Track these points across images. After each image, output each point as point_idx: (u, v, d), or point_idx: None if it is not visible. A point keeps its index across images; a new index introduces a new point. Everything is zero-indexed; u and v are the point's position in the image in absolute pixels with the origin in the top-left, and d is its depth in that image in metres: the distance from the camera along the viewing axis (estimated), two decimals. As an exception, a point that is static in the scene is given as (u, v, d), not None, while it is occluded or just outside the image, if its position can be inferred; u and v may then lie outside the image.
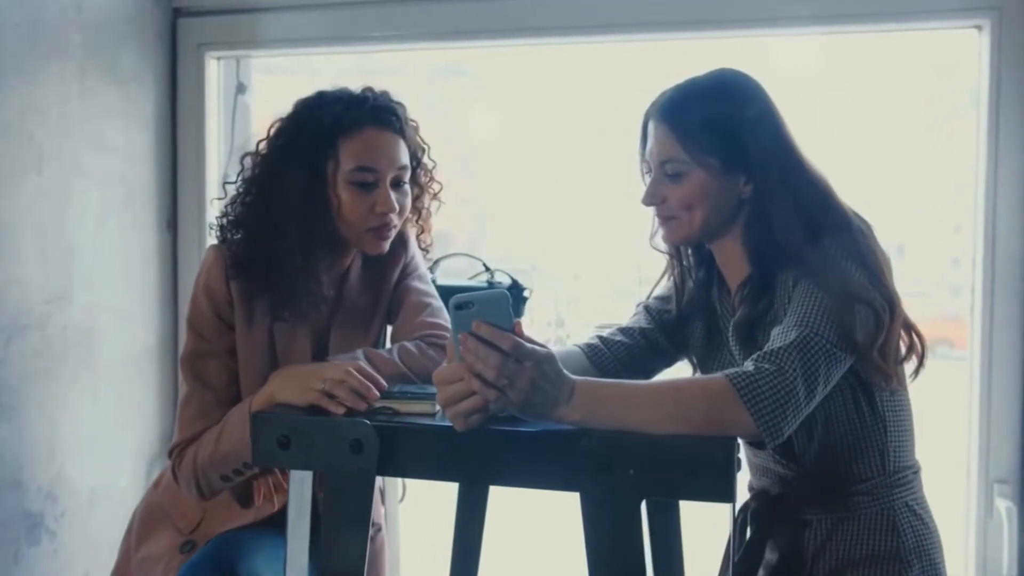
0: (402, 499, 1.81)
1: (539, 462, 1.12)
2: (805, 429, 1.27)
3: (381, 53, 2.32)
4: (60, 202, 1.85)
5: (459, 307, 1.06)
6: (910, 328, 1.30)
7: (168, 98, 2.19)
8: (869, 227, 1.28)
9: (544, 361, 1.06)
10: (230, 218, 1.47)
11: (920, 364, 1.31)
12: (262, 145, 1.46)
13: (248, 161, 1.47)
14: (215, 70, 2.24)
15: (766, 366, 1.11)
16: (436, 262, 1.82)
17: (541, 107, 2.39)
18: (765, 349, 1.15)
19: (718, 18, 1.95)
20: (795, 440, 1.28)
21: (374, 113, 1.42)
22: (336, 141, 1.40)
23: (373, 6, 2.12)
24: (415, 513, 1.91)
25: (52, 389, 1.85)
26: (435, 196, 1.61)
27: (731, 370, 1.12)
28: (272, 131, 1.45)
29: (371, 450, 1.16)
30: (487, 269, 1.79)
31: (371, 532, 1.60)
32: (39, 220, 1.80)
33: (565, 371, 1.09)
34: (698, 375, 1.33)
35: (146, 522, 1.58)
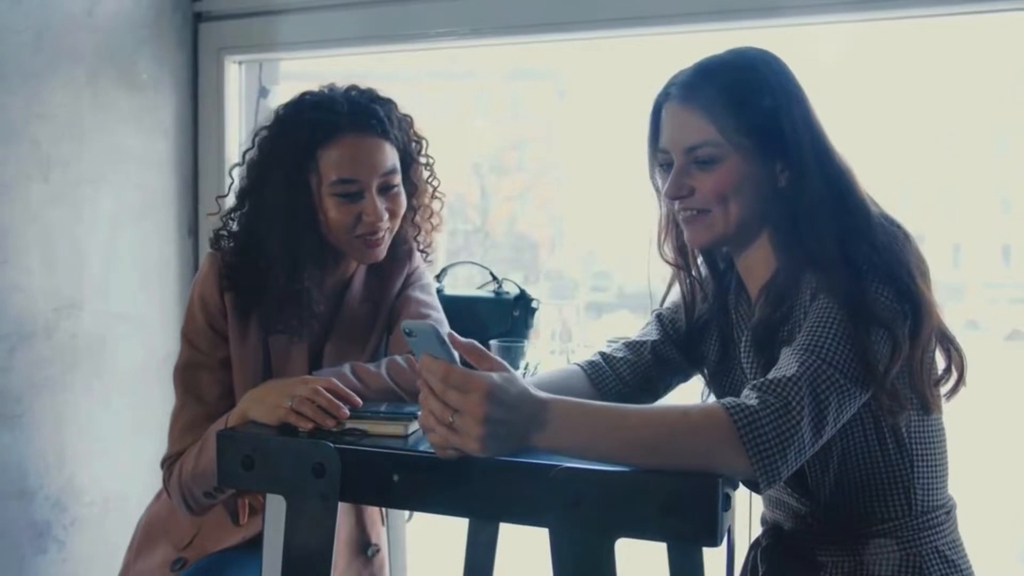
0: (409, 519, 1.72)
1: (505, 494, 1.02)
2: (820, 460, 1.13)
3: (453, 56, 2.24)
4: (69, 209, 1.84)
5: (408, 334, 0.97)
6: (947, 341, 1.15)
7: (189, 104, 2.17)
8: (897, 225, 1.12)
9: (495, 388, 0.94)
10: (224, 230, 1.43)
11: (960, 382, 1.15)
12: (248, 155, 1.40)
13: (236, 172, 1.42)
14: (235, 74, 2.21)
15: (771, 400, 0.97)
16: (444, 270, 1.74)
17: (623, 106, 2.28)
18: (771, 376, 1.01)
19: (792, 4, 1.79)
20: (808, 472, 1.15)
21: (351, 119, 1.34)
22: (315, 153, 1.34)
23: (397, 5, 2.05)
24: (424, 534, 1.83)
25: (61, 397, 1.84)
26: (434, 192, 1.52)
27: (731, 401, 0.98)
28: (256, 140, 1.40)
29: (333, 474, 1.09)
30: (494, 279, 1.69)
31: (368, 553, 1.54)
32: (46, 227, 1.79)
33: (535, 392, 0.98)
34: (693, 404, 1.19)
35: (146, 534, 1.55)
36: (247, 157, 1.40)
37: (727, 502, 0.97)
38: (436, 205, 1.53)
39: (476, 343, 0.98)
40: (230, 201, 1.43)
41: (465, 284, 1.78)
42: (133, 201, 2.00)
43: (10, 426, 1.74)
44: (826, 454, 1.12)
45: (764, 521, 1.28)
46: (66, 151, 1.83)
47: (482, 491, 1.03)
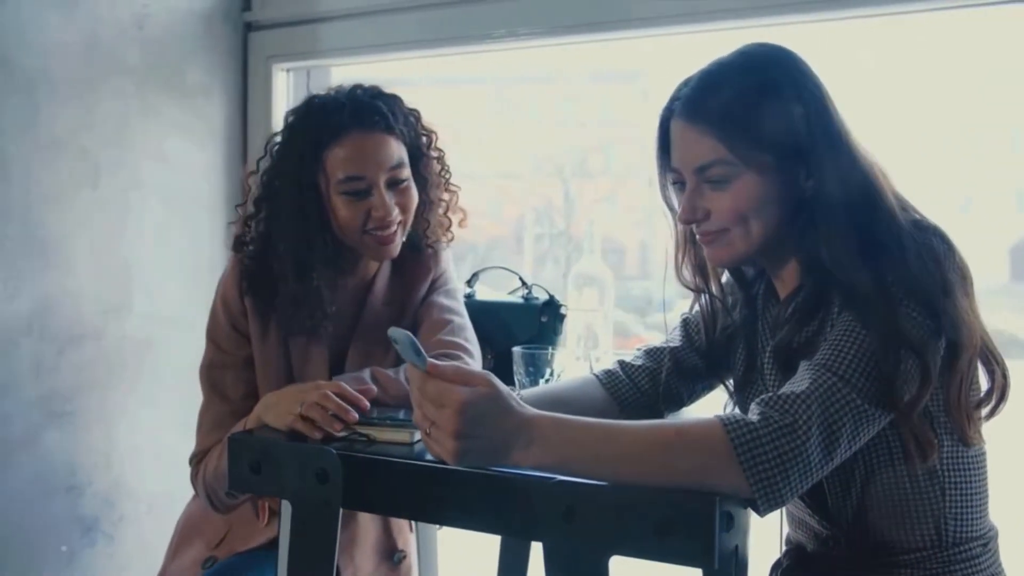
0: (441, 526, 1.71)
1: (499, 506, 1.00)
2: (840, 482, 1.07)
3: (535, 58, 2.22)
4: (117, 215, 1.90)
5: (394, 342, 0.96)
6: (991, 358, 1.07)
7: (239, 111, 2.22)
8: (938, 234, 1.03)
9: (468, 405, 0.91)
10: (244, 235, 1.46)
11: (1000, 402, 1.07)
12: (262, 163, 1.43)
13: (252, 180, 1.44)
14: (283, 82, 2.25)
15: (775, 416, 0.92)
16: (475, 275, 1.73)
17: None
18: (780, 392, 0.95)
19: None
20: (828, 494, 1.08)
21: (354, 116, 1.35)
22: (321, 154, 1.35)
23: (445, 8, 2.05)
24: (457, 542, 1.82)
25: (109, 398, 1.90)
26: (447, 185, 1.51)
27: (730, 416, 0.93)
28: (268, 147, 1.43)
29: (336, 480, 1.09)
30: (524, 284, 1.67)
31: (395, 559, 1.54)
32: (94, 233, 1.85)
33: (521, 409, 0.95)
34: (689, 418, 1.14)
35: (183, 532, 1.59)
36: (261, 165, 1.42)
37: (729, 522, 0.92)
38: (449, 198, 1.51)
39: (459, 366, 0.96)
40: (248, 210, 1.45)
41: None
42: (181, 207, 2.06)
43: (59, 424, 1.81)
44: (847, 476, 1.06)
45: (788, 541, 1.22)
46: (115, 159, 1.89)
47: (478, 503, 1.01)
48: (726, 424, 0.92)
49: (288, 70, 2.26)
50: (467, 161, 2.31)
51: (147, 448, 1.99)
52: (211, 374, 1.46)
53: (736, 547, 0.98)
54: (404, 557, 1.56)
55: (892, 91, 1.80)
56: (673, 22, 1.82)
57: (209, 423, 1.45)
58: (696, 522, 0.89)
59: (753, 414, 0.93)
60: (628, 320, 2.09)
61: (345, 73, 2.34)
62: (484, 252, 2.33)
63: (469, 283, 1.71)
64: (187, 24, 2.06)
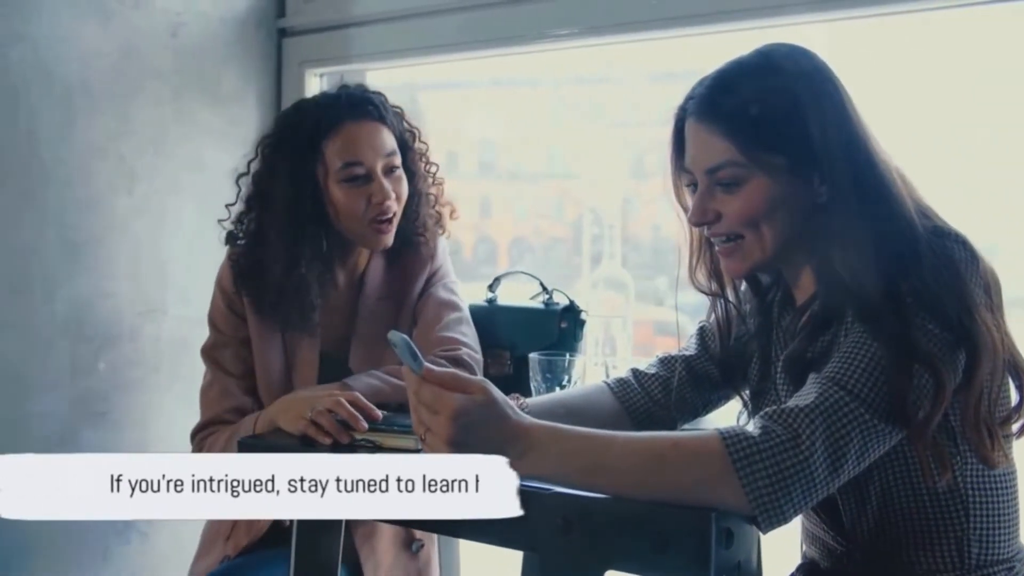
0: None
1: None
2: (855, 498, 1.03)
3: (593, 59, 2.20)
4: (153, 220, 1.95)
5: (393, 345, 0.96)
6: (1020, 372, 1.02)
7: (273, 117, 2.25)
8: (960, 241, 0.99)
9: (460, 412, 0.91)
10: (236, 231, 1.52)
11: None
12: (253, 164, 1.47)
13: (242, 181, 1.48)
14: (317, 87, 2.27)
15: (777, 430, 0.89)
16: (497, 280, 1.72)
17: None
18: (784, 405, 0.92)
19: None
20: (842, 510, 1.05)
21: (349, 107, 1.42)
22: (319, 146, 1.40)
23: (477, 10, 2.04)
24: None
25: (145, 397, 1.95)
26: (432, 178, 1.55)
27: (730, 429, 0.91)
28: (259, 148, 1.47)
29: (340, 487, 1.09)
30: (544, 290, 1.65)
31: (413, 548, 1.56)
32: (131, 237, 1.91)
33: (516, 417, 0.94)
34: (688, 431, 1.11)
35: (208, 533, 1.62)
36: (250, 165, 1.48)
37: (729, 539, 0.90)
38: (437, 191, 1.55)
39: (456, 372, 0.95)
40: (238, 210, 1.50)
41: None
42: (215, 212, 2.08)
43: (96, 424, 1.86)
44: (862, 492, 1.02)
45: (804, 556, 1.19)
46: (150, 165, 1.94)
47: (476, 512, 1.01)
48: (725, 438, 0.89)
49: (322, 75, 2.28)
50: (526, 162, 2.34)
51: (182, 447, 2.01)
52: (212, 353, 1.52)
53: (739, 563, 0.96)
54: (423, 546, 1.56)
55: (964, 86, 1.72)
56: (730, 19, 1.74)
57: (215, 393, 1.49)
58: (692, 537, 0.87)
59: (755, 428, 0.91)
60: (682, 321, 2.07)
61: (380, 77, 2.35)
62: (544, 253, 2.33)
63: (491, 288, 1.71)
64: (221, 31, 2.10)
